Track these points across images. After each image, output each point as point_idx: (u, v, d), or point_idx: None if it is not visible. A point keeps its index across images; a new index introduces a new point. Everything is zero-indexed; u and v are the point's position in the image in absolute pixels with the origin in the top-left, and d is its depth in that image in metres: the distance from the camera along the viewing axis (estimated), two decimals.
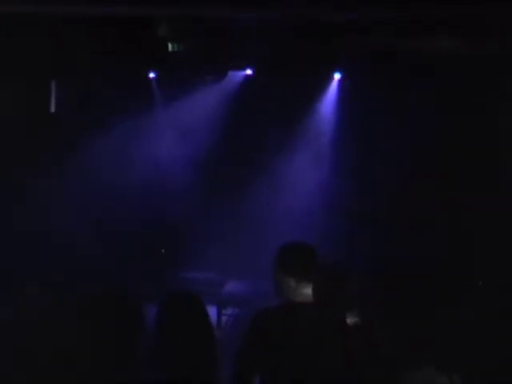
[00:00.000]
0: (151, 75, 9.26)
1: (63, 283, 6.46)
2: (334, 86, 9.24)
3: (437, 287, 7.56)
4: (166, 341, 3.12)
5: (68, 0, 6.57)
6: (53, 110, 8.73)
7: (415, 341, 4.21)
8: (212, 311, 7.50)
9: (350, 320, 3.90)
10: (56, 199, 8.31)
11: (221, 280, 8.37)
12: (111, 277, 7.14)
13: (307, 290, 3.86)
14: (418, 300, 7.15)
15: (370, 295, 4.59)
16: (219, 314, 7.85)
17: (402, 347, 4.15)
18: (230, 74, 9.15)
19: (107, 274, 7.31)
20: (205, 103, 9.19)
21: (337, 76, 9.12)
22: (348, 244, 8.17)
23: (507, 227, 7.80)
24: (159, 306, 3.25)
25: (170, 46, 8.45)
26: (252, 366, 3.72)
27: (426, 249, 8.08)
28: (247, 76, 9.11)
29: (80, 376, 3.10)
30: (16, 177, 8.11)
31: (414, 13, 6.71)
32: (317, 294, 4.17)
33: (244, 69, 9.03)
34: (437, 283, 7.64)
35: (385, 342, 4.00)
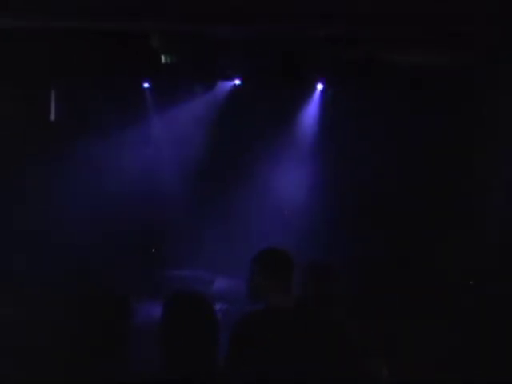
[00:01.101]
0: (145, 85, 9.27)
1: (61, 281, 6.45)
2: (316, 95, 9.31)
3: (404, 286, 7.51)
4: (172, 338, 3.03)
5: (67, 14, 6.56)
6: (52, 118, 8.72)
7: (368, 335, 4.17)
8: None
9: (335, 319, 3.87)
10: (54, 201, 8.29)
11: (211, 277, 8.39)
12: (107, 274, 7.14)
13: (286, 294, 3.77)
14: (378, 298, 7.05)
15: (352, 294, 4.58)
16: None
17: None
18: (220, 83, 9.21)
19: (103, 272, 7.32)
20: (196, 111, 9.22)
21: (319, 86, 9.18)
22: (331, 244, 8.12)
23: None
24: (165, 304, 3.15)
25: (163, 57, 8.49)
26: (239, 369, 3.58)
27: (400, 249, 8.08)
28: (235, 85, 9.16)
29: (68, 371, 3.07)
30: (17, 180, 8.09)
31: (390, 28, 6.77)
32: (304, 294, 4.13)
33: (232, 79, 9.08)
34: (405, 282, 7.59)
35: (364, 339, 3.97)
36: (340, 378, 3.57)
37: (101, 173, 8.62)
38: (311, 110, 9.38)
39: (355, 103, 8.68)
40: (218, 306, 7.91)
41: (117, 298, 3.43)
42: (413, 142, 8.50)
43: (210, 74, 8.99)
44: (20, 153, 8.10)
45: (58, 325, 3.38)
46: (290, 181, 9.10)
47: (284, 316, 3.67)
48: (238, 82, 9.07)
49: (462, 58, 7.73)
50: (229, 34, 7.78)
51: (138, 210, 8.77)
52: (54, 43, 7.46)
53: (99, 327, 3.20)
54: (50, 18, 6.71)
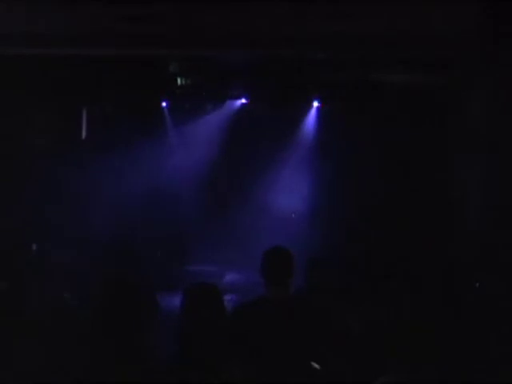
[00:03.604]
0: (163, 104, 9.48)
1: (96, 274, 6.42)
2: (313, 112, 9.49)
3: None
4: (191, 323, 3.11)
5: (95, 43, 6.62)
6: (84, 135, 8.84)
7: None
8: None
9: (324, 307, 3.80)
10: (88, 205, 8.38)
11: (221, 272, 8.49)
12: (133, 271, 7.09)
13: (277, 288, 3.69)
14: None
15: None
16: None
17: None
18: (228, 102, 9.39)
19: (130, 269, 7.27)
20: (208, 127, 9.39)
21: (315, 103, 9.35)
22: (327, 241, 8.16)
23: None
24: (184, 293, 3.22)
25: (178, 80, 8.64)
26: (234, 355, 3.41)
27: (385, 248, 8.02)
28: (242, 104, 9.33)
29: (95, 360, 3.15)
30: (56, 187, 8.12)
31: (379, 53, 6.81)
32: (303, 285, 4.21)
33: (240, 98, 9.26)
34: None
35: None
36: (328, 364, 3.48)
37: (125, 182, 8.68)
38: (309, 124, 9.53)
39: (346, 117, 8.76)
40: (227, 297, 8.00)
41: (137, 287, 3.55)
42: (400, 150, 8.55)
43: (220, 94, 9.17)
44: (58, 167, 8.17)
45: (94, 312, 3.44)
46: (290, 187, 9.19)
47: (275, 305, 3.61)
48: (244, 100, 9.25)
49: (441, 78, 7.75)
50: (236, 58, 7.84)
51: (158, 215, 8.89)
52: (85, 70, 7.55)
53: (129, 315, 3.32)
54: (83, 47, 6.76)
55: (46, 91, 7.74)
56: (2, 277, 4.32)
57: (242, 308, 3.69)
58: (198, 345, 3.02)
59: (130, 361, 3.12)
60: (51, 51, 6.73)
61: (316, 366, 3.53)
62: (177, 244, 9.05)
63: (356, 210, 8.74)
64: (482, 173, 7.02)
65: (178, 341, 3.10)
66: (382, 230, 8.39)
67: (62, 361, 3.31)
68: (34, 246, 7.00)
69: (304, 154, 9.41)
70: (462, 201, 7.60)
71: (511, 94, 5.91)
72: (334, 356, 3.53)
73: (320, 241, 8.15)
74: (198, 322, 3.10)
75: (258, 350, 3.48)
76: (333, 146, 9.05)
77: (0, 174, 7.17)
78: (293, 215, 9.18)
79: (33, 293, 3.89)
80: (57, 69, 7.38)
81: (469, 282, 5.49)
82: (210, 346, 3.03)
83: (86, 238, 7.73)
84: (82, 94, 8.46)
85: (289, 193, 9.15)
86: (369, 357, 3.48)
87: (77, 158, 8.54)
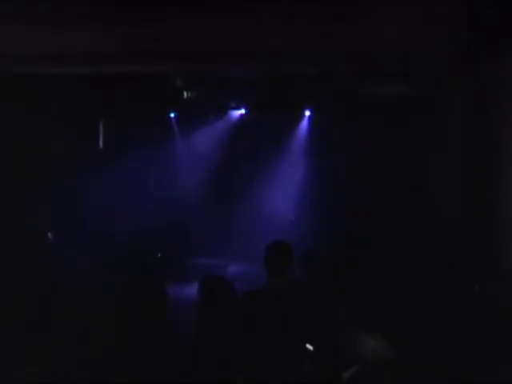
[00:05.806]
0: (171, 115, 9.70)
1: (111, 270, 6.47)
2: (305, 120, 9.68)
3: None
4: (207, 310, 3.26)
5: (108, 61, 6.74)
6: (101, 145, 8.98)
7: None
8: None
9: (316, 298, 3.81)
10: (103, 206, 8.45)
11: (225, 264, 8.60)
12: (143, 264, 7.13)
13: (278, 278, 3.70)
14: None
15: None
16: None
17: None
18: (229, 112, 9.61)
19: (139, 262, 7.29)
20: (211, 135, 9.59)
21: (307, 113, 9.56)
22: (320, 236, 8.15)
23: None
24: (201, 284, 3.34)
25: (184, 93, 8.83)
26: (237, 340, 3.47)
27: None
28: (242, 114, 9.55)
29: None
30: (77, 190, 8.22)
31: (366, 66, 6.94)
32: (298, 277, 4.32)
33: (240, 109, 9.48)
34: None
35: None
36: (318, 354, 3.45)
37: (139, 184, 8.89)
38: (301, 132, 9.70)
39: (335, 125, 8.82)
40: None
41: (156, 284, 3.69)
42: (387, 152, 8.62)
43: (222, 106, 9.40)
44: (78, 172, 8.30)
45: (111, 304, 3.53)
46: (288, 188, 9.34)
47: (275, 294, 3.63)
48: (243, 111, 9.48)
49: (425, 88, 7.67)
50: (236, 73, 7.99)
51: (168, 215, 8.96)
52: (103, 87, 7.72)
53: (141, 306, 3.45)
54: (96, 65, 6.86)
55: (66, 106, 7.90)
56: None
57: (246, 297, 3.69)
58: (212, 331, 3.17)
59: (141, 353, 3.23)
60: (68, 70, 6.95)
61: (310, 347, 3.53)
62: (185, 240, 9.10)
63: (351, 210, 8.71)
64: (478, 174, 6.94)
65: (193, 328, 3.26)
66: (375, 231, 8.19)
67: (76, 354, 3.41)
68: (48, 246, 6.99)
69: (297, 157, 9.55)
70: (458, 200, 7.32)
71: (510, 93, 5.76)
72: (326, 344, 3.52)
73: (317, 239, 8.05)
74: (213, 311, 3.25)
75: (258, 337, 3.49)
76: (323, 150, 9.17)
77: (26, 178, 7.35)
78: (292, 218, 9.23)
79: (47, 290, 3.94)
80: (75, 85, 7.53)
81: (469, 283, 5.29)
82: (222, 333, 3.18)
83: (100, 235, 7.79)
84: (98, 108, 8.65)
85: (286, 193, 9.32)
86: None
87: (94, 165, 8.67)
